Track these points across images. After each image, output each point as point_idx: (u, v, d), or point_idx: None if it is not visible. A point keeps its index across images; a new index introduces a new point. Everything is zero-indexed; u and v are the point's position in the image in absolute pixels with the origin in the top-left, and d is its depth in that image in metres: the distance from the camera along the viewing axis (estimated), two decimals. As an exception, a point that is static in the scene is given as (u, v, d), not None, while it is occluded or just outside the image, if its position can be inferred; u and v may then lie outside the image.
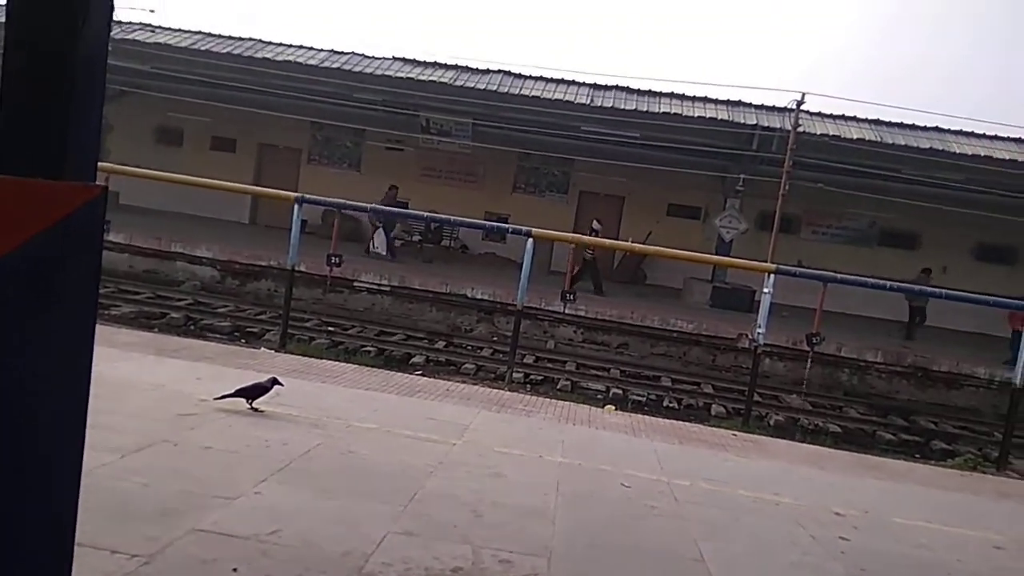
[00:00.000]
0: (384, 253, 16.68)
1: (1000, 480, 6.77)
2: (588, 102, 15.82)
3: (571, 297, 9.17)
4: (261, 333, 11.00)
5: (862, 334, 14.66)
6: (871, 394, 13.13)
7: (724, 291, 16.87)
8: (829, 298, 8.54)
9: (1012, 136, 15.14)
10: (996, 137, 15.08)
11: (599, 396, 10.16)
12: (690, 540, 3.70)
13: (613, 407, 7.89)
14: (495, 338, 13.08)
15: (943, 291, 10.53)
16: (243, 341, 10.23)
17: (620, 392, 10.72)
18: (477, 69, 16.64)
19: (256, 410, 4.73)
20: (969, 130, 14.97)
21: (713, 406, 10.79)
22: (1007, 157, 14.44)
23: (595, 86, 16.47)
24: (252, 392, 4.73)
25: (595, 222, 16.00)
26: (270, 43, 16.65)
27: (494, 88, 16.08)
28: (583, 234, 14.23)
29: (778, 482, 5.03)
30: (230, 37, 16.81)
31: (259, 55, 16.09)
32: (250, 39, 16.73)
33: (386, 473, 4.03)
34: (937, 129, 15.12)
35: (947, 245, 18.93)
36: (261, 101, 17.57)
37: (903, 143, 14.59)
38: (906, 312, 16.36)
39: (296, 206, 8.46)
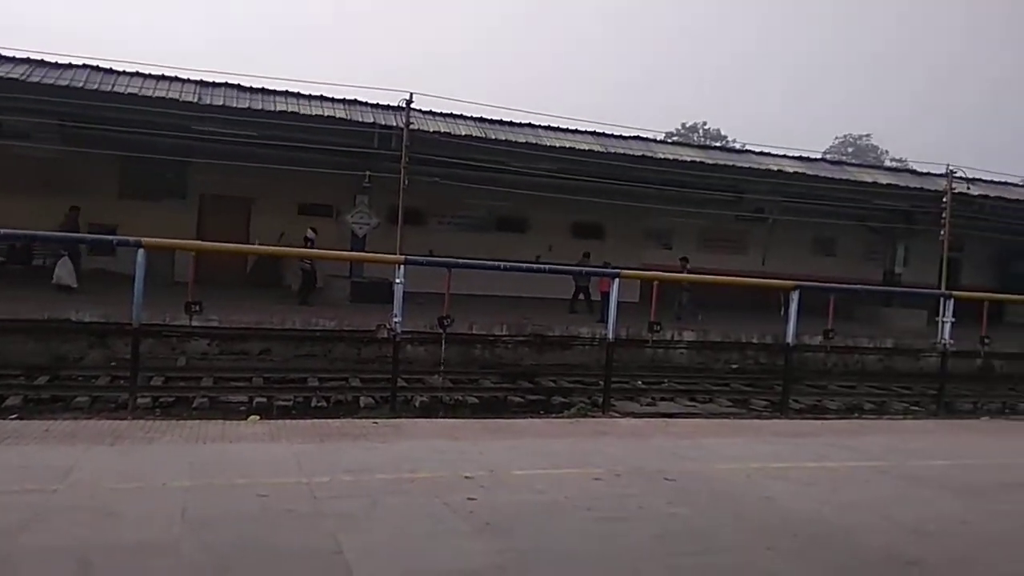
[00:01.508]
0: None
1: (601, 421, 7.92)
2: (196, 100, 14.81)
3: (197, 308, 8.51)
4: None
5: (504, 313, 16.07)
6: (501, 363, 14.49)
7: (363, 285, 17.18)
8: (466, 281, 9.16)
9: (589, 130, 17.81)
10: (577, 131, 17.61)
11: (242, 408, 9.66)
12: (328, 534, 3.70)
13: (257, 416, 7.56)
14: (113, 363, 11.66)
15: (547, 266, 12.03)
16: None
17: (264, 400, 10.33)
18: (57, 64, 14.52)
19: None
20: (556, 125, 17.24)
21: (362, 398, 10.95)
22: (587, 148, 16.93)
23: (202, 83, 15.49)
24: None
25: (310, 231, 15.70)
26: None
27: (79, 85, 14.19)
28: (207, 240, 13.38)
29: (415, 459, 5.28)
30: None
31: None
32: None
33: (-42, 543, 3.34)
34: (531, 126, 17.14)
35: (551, 226, 21.67)
36: None
37: (504, 138, 16.27)
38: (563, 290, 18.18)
39: None
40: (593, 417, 8.60)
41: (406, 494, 4.48)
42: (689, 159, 18.34)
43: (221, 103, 15.09)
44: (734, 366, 16.36)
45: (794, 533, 4.18)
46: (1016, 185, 23.17)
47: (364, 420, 7.27)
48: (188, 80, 15.44)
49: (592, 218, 21.94)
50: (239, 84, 15.91)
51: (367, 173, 16.74)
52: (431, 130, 15.86)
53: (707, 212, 21.70)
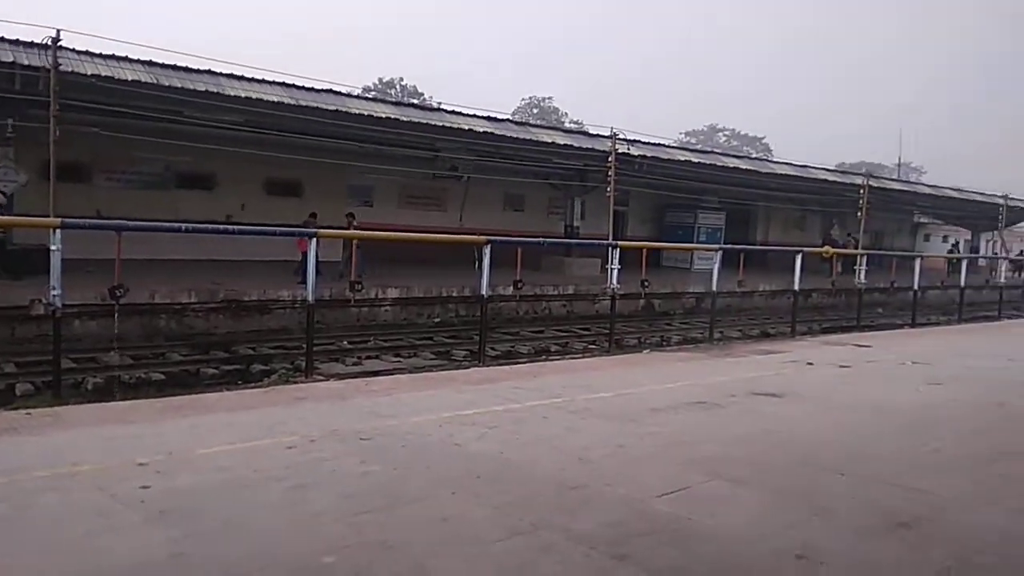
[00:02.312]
0: None
1: (300, 387, 7.69)
2: None
3: None
4: None
5: (197, 278, 14.72)
6: (192, 334, 13.42)
7: (15, 254, 14.69)
8: (146, 245, 8.20)
9: (278, 81, 16.82)
10: (265, 81, 16.53)
11: None
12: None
13: None
14: None
15: (237, 227, 11.28)
16: None
17: None
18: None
19: None
20: (240, 74, 16.01)
21: (18, 386, 9.51)
22: (276, 99, 16.02)
23: None
24: None
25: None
26: None
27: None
28: None
29: (78, 451, 4.68)
30: None
31: None
32: None
33: None
34: (211, 73, 15.72)
35: (242, 183, 20.31)
36: None
37: (180, 85, 14.75)
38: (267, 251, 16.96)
39: None
40: (294, 383, 8.35)
41: (65, 491, 3.95)
42: (384, 115, 18.25)
43: None
44: (437, 320, 16.96)
45: (477, 475, 4.45)
46: (668, 147, 26.77)
47: (16, 412, 6.26)
48: None
49: (289, 175, 21.01)
50: None
51: (8, 122, 14.19)
52: (88, 73, 13.79)
53: (406, 170, 21.95)
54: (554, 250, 23.05)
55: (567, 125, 52.83)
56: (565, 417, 6.08)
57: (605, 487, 4.31)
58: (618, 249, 14.20)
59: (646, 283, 17.10)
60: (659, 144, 25.11)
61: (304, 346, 9.63)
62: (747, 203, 30.40)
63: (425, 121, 18.72)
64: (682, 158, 25.15)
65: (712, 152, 33.28)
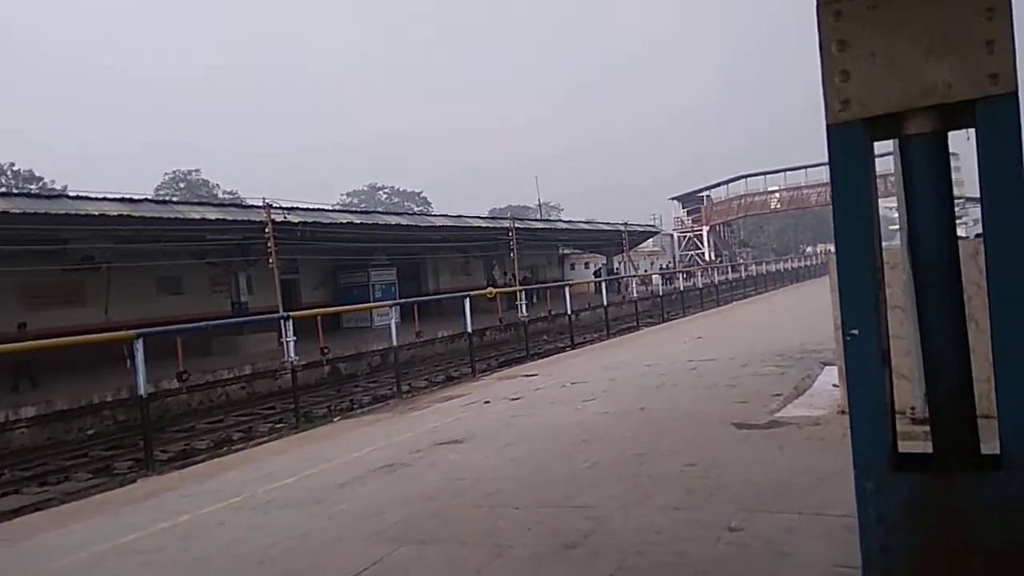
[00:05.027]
0: None
1: None
2: None
3: None
4: None
5: None
6: None
7: None
8: None
9: None
10: None
11: None
12: None
13: None
14: None
15: None
16: None
17: None
18: None
19: None
20: None
21: None
22: None
23: None
24: None
25: None
26: None
27: None
28: None
29: None
30: None
31: None
32: None
33: None
34: None
35: None
36: None
37: None
38: None
39: None
40: None
41: None
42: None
43: None
44: (91, 432, 14.80)
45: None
46: (329, 210, 26.86)
47: None
48: None
49: None
50: None
51: None
52: None
53: (27, 268, 18.98)
54: (224, 331, 21.63)
55: (221, 197, 50.34)
56: (245, 517, 5.63)
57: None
58: (291, 320, 13.81)
59: (326, 350, 16.85)
60: (319, 209, 25.10)
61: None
62: (415, 256, 31.65)
63: (43, 211, 16.42)
64: (345, 220, 25.37)
65: (375, 212, 34.22)
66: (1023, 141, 1.81)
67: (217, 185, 65.46)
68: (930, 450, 2.04)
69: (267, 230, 20.76)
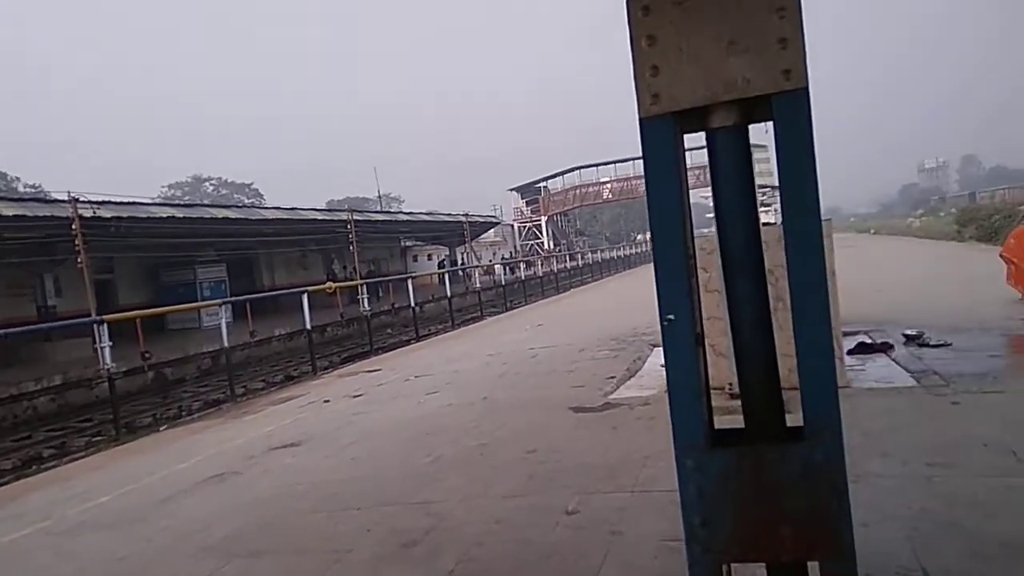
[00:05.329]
0: None
1: None
2: None
3: None
4: None
5: None
6: None
7: None
8: None
9: None
10: None
11: None
12: None
13: None
14: None
15: None
16: None
17: None
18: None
19: None
20: None
21: None
22: None
23: None
24: None
25: None
26: None
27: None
28: None
29: None
30: None
31: None
32: None
33: None
34: None
35: None
36: None
37: None
38: None
39: None
40: None
41: None
42: None
43: None
44: None
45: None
46: (147, 204, 24.91)
47: None
48: None
49: None
50: None
51: None
52: None
53: None
54: (25, 338, 19.51)
55: (21, 191, 45.36)
56: (52, 543, 5.08)
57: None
58: (105, 324, 12.71)
59: (147, 355, 15.65)
60: (135, 203, 23.19)
61: None
62: (247, 251, 30.09)
63: None
64: (165, 215, 23.62)
65: (199, 205, 32.13)
66: (814, 134, 1.94)
67: (17, 179, 58.94)
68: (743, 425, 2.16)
69: (74, 227, 18.89)
